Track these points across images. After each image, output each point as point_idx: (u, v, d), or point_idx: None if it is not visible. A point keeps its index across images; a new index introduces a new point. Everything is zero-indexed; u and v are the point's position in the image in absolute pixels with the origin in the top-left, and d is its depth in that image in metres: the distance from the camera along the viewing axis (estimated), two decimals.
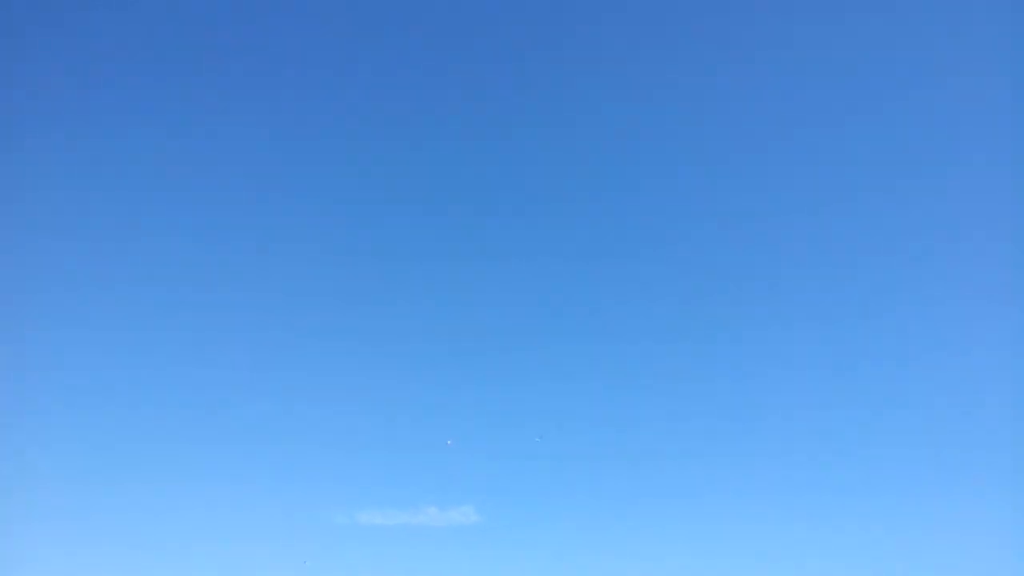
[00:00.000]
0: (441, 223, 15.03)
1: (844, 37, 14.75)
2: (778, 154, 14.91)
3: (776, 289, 14.57)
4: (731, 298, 14.52)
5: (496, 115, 15.53)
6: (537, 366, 13.93)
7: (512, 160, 15.53)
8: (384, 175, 15.44)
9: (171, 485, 13.09)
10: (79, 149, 14.34)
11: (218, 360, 13.81)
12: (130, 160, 14.82)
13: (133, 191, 14.69)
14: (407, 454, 13.30)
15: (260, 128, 15.21)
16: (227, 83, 15.08)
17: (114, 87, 14.79)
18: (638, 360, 14.02)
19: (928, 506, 12.29)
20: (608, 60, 15.43)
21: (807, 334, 14.06)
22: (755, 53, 14.82)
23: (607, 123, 15.56)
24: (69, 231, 14.05)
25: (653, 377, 13.90)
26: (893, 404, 13.32)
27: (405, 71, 15.41)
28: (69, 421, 13.21)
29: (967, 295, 13.23)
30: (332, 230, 14.79)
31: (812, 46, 14.71)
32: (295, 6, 15.59)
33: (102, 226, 14.26)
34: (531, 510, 13.18)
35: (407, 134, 15.62)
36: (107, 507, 12.28)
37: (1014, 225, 12.79)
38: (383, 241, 14.88)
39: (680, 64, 15.04)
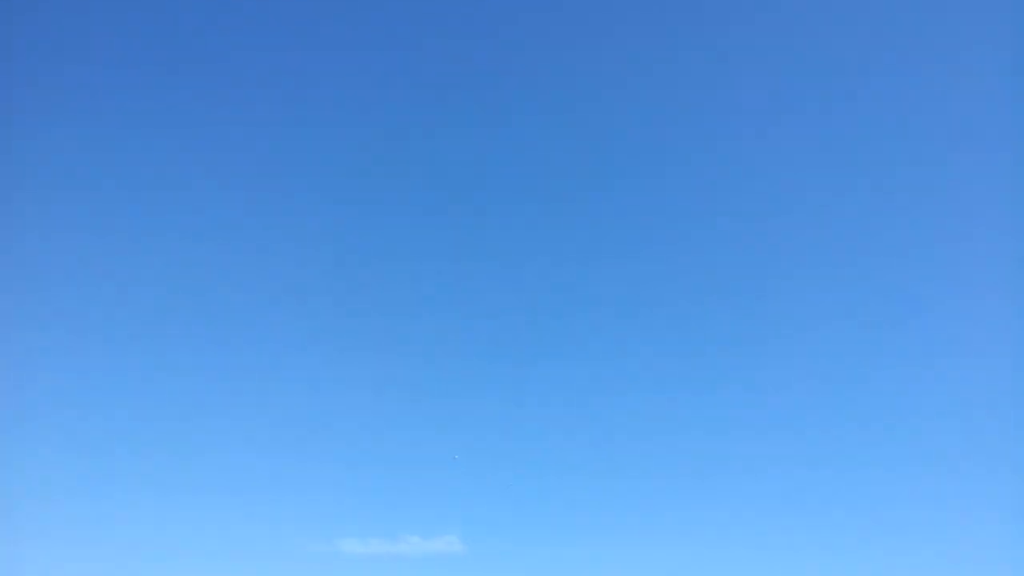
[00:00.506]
0: (427, 224, 14.71)
1: (852, 36, 14.28)
2: (784, 154, 14.52)
3: (779, 292, 14.17)
4: (734, 303, 14.15)
5: (497, 114, 15.30)
6: (523, 393, 13.48)
7: (513, 160, 15.30)
8: (381, 175, 15.28)
9: (143, 506, 12.86)
10: (76, 150, 14.37)
11: (197, 377, 13.50)
12: (130, 160, 14.85)
13: (132, 191, 14.70)
14: (389, 481, 13.04)
15: (258, 128, 15.14)
16: (225, 83, 15.00)
17: (113, 87, 14.80)
18: (631, 380, 13.56)
19: (934, 517, 11.95)
20: (612, 58, 15.11)
21: (810, 338, 13.68)
22: (760, 51, 14.41)
23: (611, 122, 15.26)
24: (65, 232, 14.09)
25: (645, 399, 13.41)
26: (899, 410, 12.95)
27: (404, 69, 15.22)
28: (38, 436, 12.79)
29: (974, 298, 12.80)
30: (312, 232, 14.45)
31: (819, 44, 14.26)
32: (294, 5, 15.46)
33: (97, 227, 14.27)
34: (516, 539, 12.97)
35: (407, 134, 15.45)
36: (76, 522, 11.96)
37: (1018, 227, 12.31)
38: (366, 245, 14.59)
39: (686, 63, 14.67)
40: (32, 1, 14.19)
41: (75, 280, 13.82)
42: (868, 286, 13.55)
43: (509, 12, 15.02)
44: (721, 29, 14.25)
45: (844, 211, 13.94)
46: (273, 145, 15.01)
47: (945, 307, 12.83)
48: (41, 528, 11.72)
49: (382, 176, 15.15)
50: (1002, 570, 10.79)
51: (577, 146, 15.02)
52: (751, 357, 13.31)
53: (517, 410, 13.41)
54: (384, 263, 14.45)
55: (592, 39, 14.98)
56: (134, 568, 12.11)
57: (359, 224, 14.73)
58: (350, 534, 11.85)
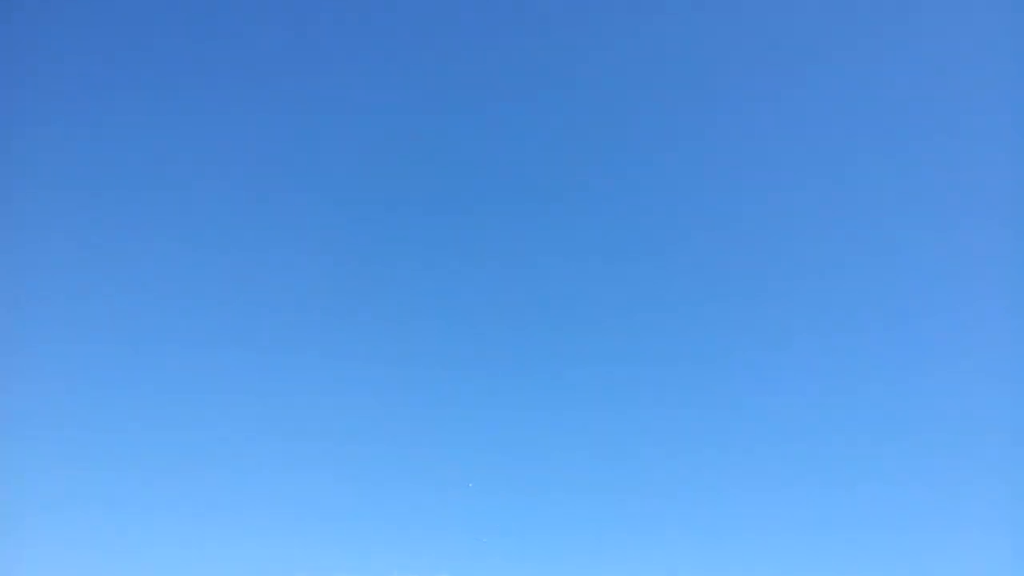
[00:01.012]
0: (429, 226, 14.22)
1: (858, 36, 13.86)
2: (791, 155, 14.06)
3: (785, 297, 13.66)
4: (744, 309, 13.66)
5: (502, 115, 14.86)
6: (516, 427, 12.76)
7: (519, 161, 14.86)
8: (383, 176, 14.84)
9: (126, 543, 11.74)
10: (76, 150, 13.98)
11: (177, 403, 12.71)
12: (128, 161, 14.43)
13: (130, 191, 14.28)
14: (379, 517, 11.95)
15: (258, 128, 14.73)
16: (223, 84, 14.63)
17: (111, 86, 14.42)
18: (633, 398, 12.93)
19: (939, 525, 11.52)
20: (617, 57, 14.68)
21: (820, 345, 13.18)
22: (768, 51, 13.97)
23: (617, 121, 14.77)
24: (63, 232, 13.65)
25: (647, 418, 12.80)
26: (905, 419, 12.47)
27: (405, 68, 14.76)
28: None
29: (979, 301, 12.30)
30: (313, 234, 13.93)
31: (827, 44, 13.84)
32: (294, 4, 15.16)
33: (94, 228, 13.81)
34: None
35: (409, 133, 14.98)
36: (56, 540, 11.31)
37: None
38: (367, 247, 14.10)
39: (692, 63, 14.23)
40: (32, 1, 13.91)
41: (73, 283, 13.40)
42: (880, 292, 13.09)
43: (511, 11, 14.62)
44: (731, 28, 13.84)
45: (856, 215, 13.51)
46: (273, 146, 14.59)
47: (949, 311, 12.34)
48: (28, 553, 11.11)
49: (384, 177, 14.72)
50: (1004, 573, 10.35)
51: (582, 146, 14.56)
52: (757, 367, 12.86)
53: (508, 455, 12.68)
54: (383, 267, 13.98)
55: (599, 38, 14.58)
56: None
57: (360, 225, 14.26)
58: (339, 571, 11.02)
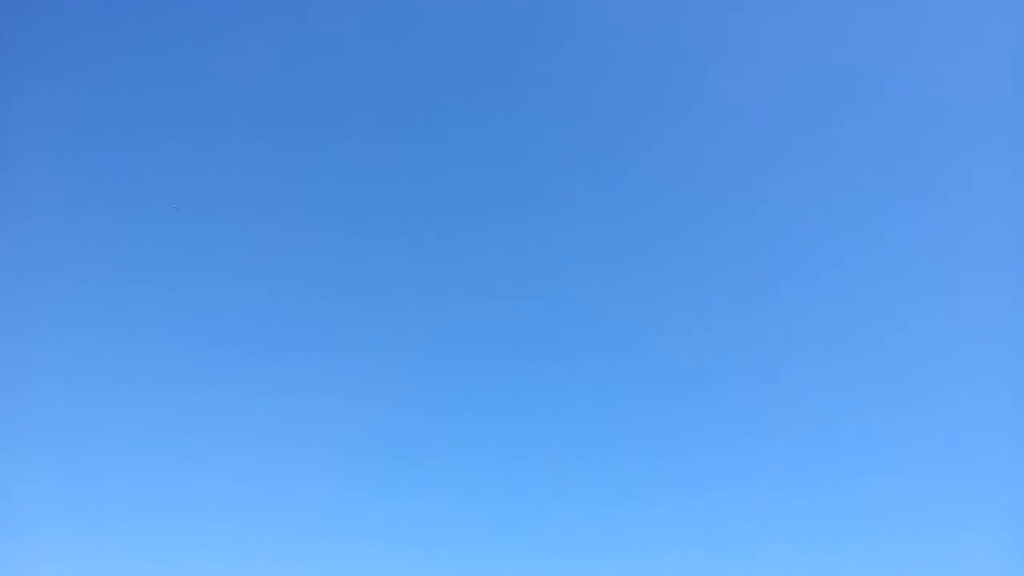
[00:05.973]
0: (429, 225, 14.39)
1: (858, 33, 13.94)
2: (794, 154, 14.13)
3: (786, 296, 13.77)
4: (745, 307, 13.74)
5: (499, 115, 14.99)
6: (519, 431, 12.92)
7: (518, 162, 14.96)
8: (383, 173, 14.93)
9: (124, 547, 11.91)
10: (72, 149, 14.04)
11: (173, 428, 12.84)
12: (127, 159, 14.51)
13: (128, 189, 14.36)
14: (381, 522, 12.14)
15: (258, 127, 14.81)
16: (219, 86, 14.70)
17: (108, 84, 14.49)
18: (634, 399, 13.09)
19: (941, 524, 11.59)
20: (617, 56, 14.80)
21: (818, 341, 13.28)
22: (769, 50, 14.06)
23: (615, 121, 14.91)
24: (63, 227, 13.71)
25: (654, 432, 12.94)
26: (906, 418, 12.56)
27: (405, 68, 14.87)
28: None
29: (978, 301, 12.40)
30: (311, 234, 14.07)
31: (829, 41, 13.93)
32: (292, 4, 15.24)
33: (94, 226, 13.88)
34: None
35: (408, 134, 15.11)
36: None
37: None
38: (366, 247, 14.23)
39: (697, 62, 14.35)
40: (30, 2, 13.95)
41: (73, 278, 13.48)
42: (883, 290, 13.17)
43: (513, 11, 14.71)
44: (731, 25, 13.90)
45: (854, 216, 13.59)
46: (273, 145, 14.69)
47: (949, 311, 12.52)
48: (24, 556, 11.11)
49: (384, 176, 14.82)
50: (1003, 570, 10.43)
51: (583, 146, 14.70)
52: (759, 367, 12.91)
53: (514, 442, 12.86)
54: (384, 268, 14.10)
55: (600, 37, 14.68)
56: None
57: (360, 226, 14.36)
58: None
